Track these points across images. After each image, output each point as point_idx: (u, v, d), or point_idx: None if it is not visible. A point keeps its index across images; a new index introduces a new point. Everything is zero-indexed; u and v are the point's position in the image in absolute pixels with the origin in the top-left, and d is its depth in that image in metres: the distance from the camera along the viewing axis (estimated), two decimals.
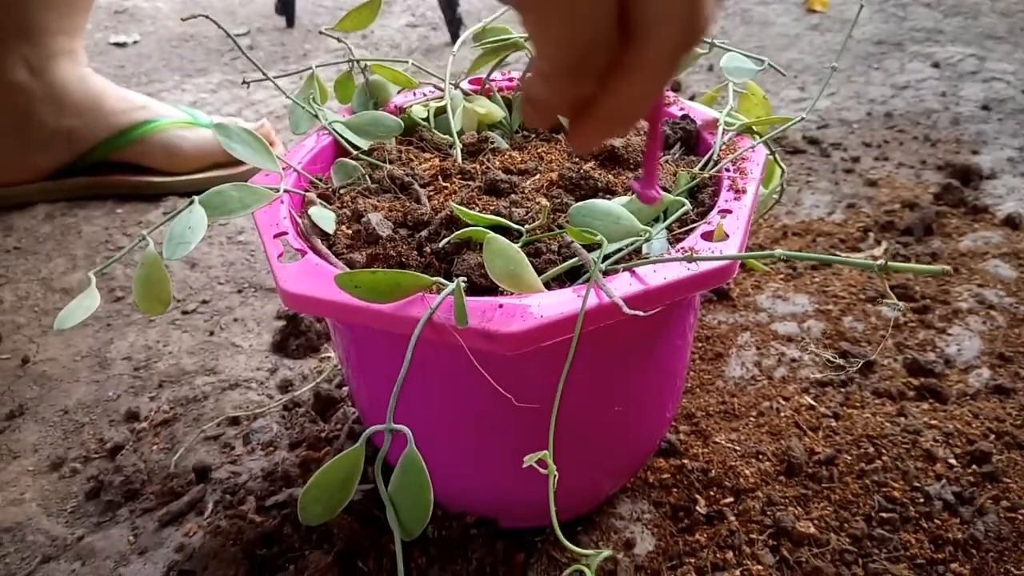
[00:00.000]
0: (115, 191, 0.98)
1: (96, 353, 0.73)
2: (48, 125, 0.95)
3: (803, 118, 0.52)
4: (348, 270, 0.39)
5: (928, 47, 1.34)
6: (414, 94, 0.60)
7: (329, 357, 0.70)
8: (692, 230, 0.42)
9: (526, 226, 0.42)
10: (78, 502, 0.58)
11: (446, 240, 0.42)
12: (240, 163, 0.99)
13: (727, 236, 0.40)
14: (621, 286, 0.37)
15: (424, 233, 0.43)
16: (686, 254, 0.38)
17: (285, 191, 0.45)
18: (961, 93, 1.16)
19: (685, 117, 0.54)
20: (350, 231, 0.44)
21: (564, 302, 0.36)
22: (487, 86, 0.60)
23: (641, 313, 0.35)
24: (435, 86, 0.60)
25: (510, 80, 0.62)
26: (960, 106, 1.12)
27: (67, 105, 0.95)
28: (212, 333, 0.75)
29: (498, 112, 0.56)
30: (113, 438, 0.63)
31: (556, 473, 0.33)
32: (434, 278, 0.36)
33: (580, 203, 0.42)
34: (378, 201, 0.47)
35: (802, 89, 1.21)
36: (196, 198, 0.41)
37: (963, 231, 0.83)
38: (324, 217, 0.44)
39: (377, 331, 0.40)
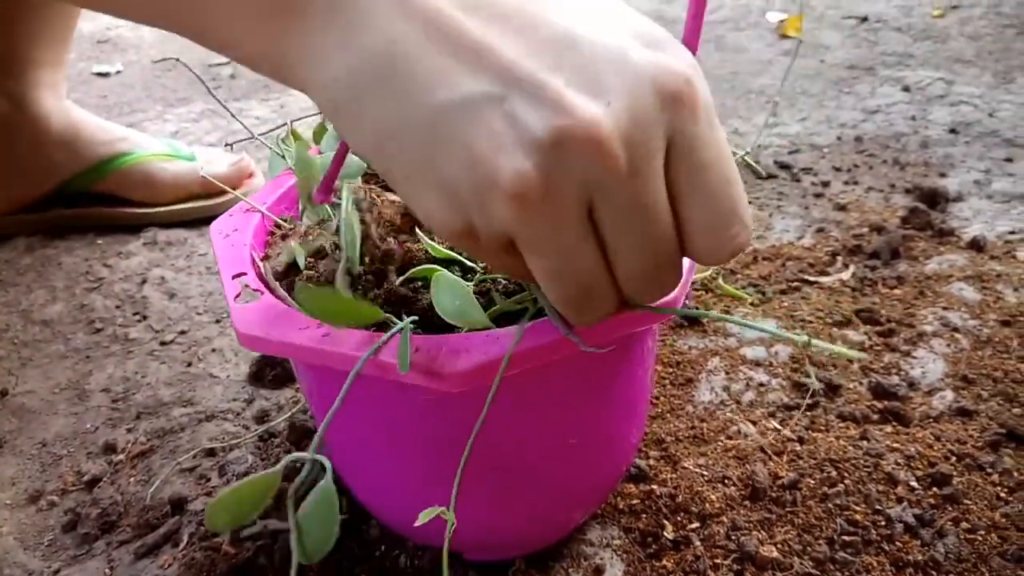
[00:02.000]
0: (95, 223, 0.99)
1: (75, 385, 0.74)
2: (29, 156, 0.96)
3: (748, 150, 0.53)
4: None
5: (899, 71, 1.37)
6: None
7: None
8: None
9: (481, 263, 0.43)
10: (55, 535, 0.59)
11: (402, 278, 0.43)
12: (218, 194, 1.00)
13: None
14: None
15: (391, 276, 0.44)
16: None
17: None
18: (930, 117, 1.19)
19: None
20: (311, 271, 0.45)
21: (510, 339, 0.37)
22: None
23: (599, 350, 0.36)
24: None
25: None
26: (929, 129, 1.15)
27: (49, 137, 0.96)
28: (190, 364, 0.75)
29: None
30: (91, 470, 0.63)
31: (455, 522, 0.34)
32: (386, 314, 0.37)
33: None
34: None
35: (774, 115, 1.23)
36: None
37: (929, 254, 0.85)
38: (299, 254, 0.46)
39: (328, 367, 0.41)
